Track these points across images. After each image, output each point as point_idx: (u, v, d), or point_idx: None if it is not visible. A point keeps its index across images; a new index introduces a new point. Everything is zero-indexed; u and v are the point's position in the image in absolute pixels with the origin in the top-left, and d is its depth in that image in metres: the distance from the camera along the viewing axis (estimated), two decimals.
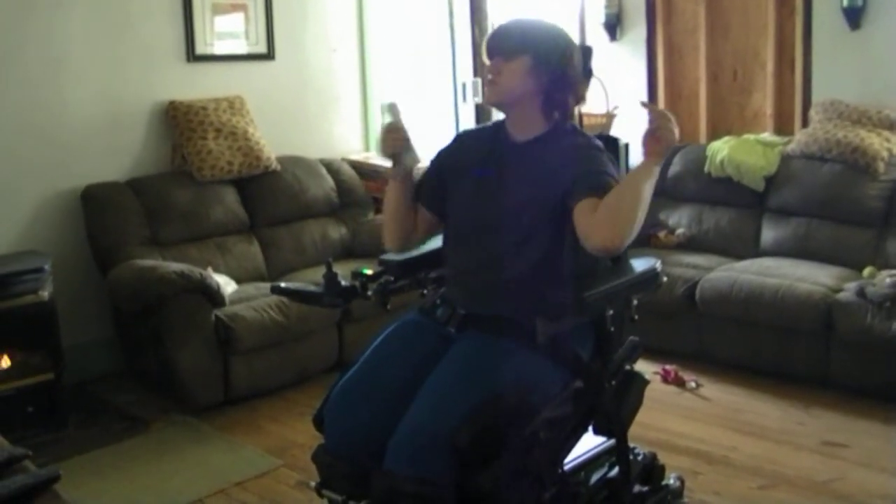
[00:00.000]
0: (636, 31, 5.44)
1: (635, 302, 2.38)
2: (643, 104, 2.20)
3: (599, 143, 2.35)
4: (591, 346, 2.35)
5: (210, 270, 4.13)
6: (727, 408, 3.86)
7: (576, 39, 5.76)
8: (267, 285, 4.24)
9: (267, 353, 4.10)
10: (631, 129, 2.17)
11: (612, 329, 2.29)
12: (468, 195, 2.39)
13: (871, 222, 4.31)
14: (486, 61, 2.39)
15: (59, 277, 4.05)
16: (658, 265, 2.38)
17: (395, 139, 2.40)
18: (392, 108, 2.46)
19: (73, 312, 4.19)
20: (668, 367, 4.19)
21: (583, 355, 2.30)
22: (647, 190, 2.14)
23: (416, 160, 2.43)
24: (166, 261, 4.23)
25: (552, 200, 2.24)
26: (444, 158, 2.52)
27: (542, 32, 2.36)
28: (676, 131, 2.13)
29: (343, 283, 2.50)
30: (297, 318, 4.13)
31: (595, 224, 2.12)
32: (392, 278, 2.55)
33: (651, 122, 2.13)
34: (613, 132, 4.61)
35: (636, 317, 2.38)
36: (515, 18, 2.48)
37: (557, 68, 2.31)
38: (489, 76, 2.36)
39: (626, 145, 2.56)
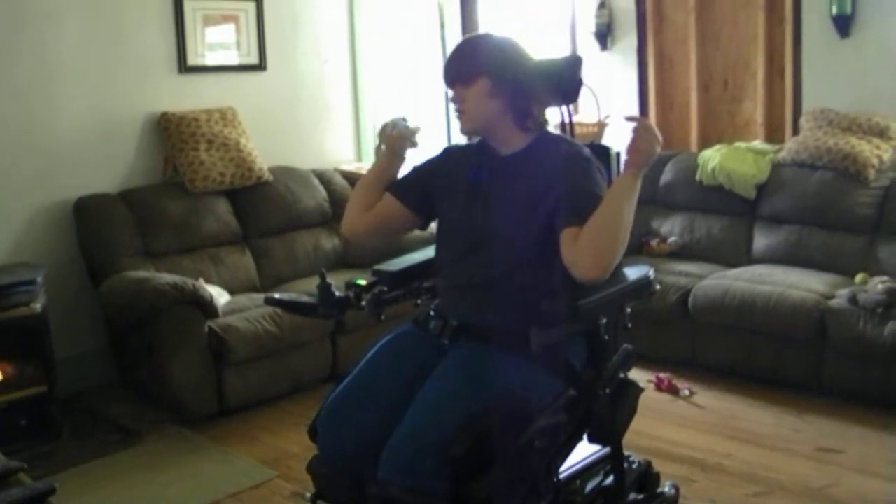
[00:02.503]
0: (627, 41, 5.46)
1: (629, 310, 2.38)
2: (627, 118, 2.20)
3: (588, 151, 2.35)
4: (584, 355, 2.36)
5: (202, 281, 4.12)
6: (721, 415, 3.87)
7: (567, 49, 5.82)
8: (260, 296, 4.24)
9: (261, 363, 4.09)
10: (622, 138, 2.18)
11: (606, 337, 2.30)
12: (460, 208, 2.39)
13: (862, 229, 4.33)
14: (449, 93, 2.41)
15: (52, 289, 4.04)
16: (651, 273, 2.39)
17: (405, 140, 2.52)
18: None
19: (65, 324, 4.19)
20: (661, 374, 4.19)
21: (575, 364, 2.31)
22: (628, 209, 2.14)
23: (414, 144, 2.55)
24: (159, 272, 4.22)
25: (543, 212, 2.24)
26: (431, 168, 2.53)
27: (492, 49, 2.37)
28: (658, 144, 2.14)
29: (337, 293, 2.50)
30: (291, 328, 4.13)
31: (579, 255, 2.13)
32: (386, 288, 2.55)
33: (633, 132, 2.13)
34: (605, 141, 4.63)
35: (629, 325, 2.39)
36: (463, 41, 2.49)
37: (515, 80, 2.33)
38: (456, 107, 2.38)
39: (618, 154, 2.56)
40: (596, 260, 2.11)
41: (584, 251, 2.13)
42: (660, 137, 2.14)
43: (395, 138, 2.54)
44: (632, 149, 2.13)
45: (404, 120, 2.57)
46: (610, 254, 2.12)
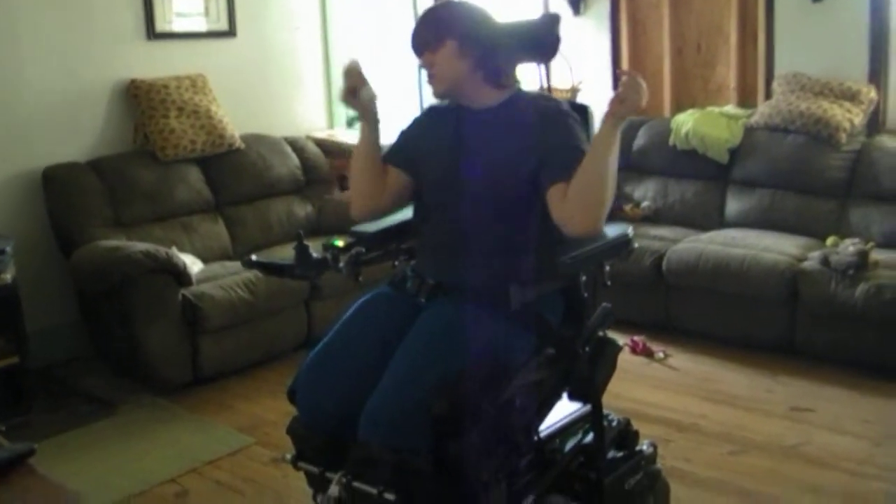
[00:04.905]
0: (600, 6, 5.43)
1: (607, 268, 2.39)
2: (621, 72, 2.20)
3: (565, 105, 2.34)
4: (562, 313, 2.36)
5: (175, 250, 4.07)
6: (696, 377, 3.90)
7: (540, 13, 5.74)
8: (233, 264, 4.22)
9: (235, 331, 4.07)
10: (596, 102, 2.18)
11: (585, 294, 2.30)
12: (438, 168, 2.38)
13: (833, 192, 4.37)
14: (418, 60, 2.38)
15: (22, 260, 3.97)
16: (630, 231, 2.40)
17: (352, 78, 2.38)
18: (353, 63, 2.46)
19: (36, 296, 4.13)
20: (636, 338, 4.22)
21: (552, 321, 2.31)
22: (612, 161, 2.15)
23: (372, 95, 2.41)
24: (130, 241, 4.16)
25: (522, 167, 2.23)
26: (415, 129, 2.52)
27: (456, 12, 2.37)
28: (644, 98, 2.12)
29: (314, 255, 2.47)
30: (266, 295, 4.11)
31: (569, 211, 2.15)
32: (363, 249, 2.52)
33: (621, 84, 2.12)
34: None
35: (609, 282, 2.39)
36: (426, 10, 2.47)
37: (482, 38, 2.32)
38: (426, 72, 2.36)
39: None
40: (587, 214, 2.14)
41: (574, 207, 2.14)
42: (646, 92, 2.12)
43: (365, 104, 2.47)
44: (616, 99, 2.11)
45: (357, 64, 2.48)
46: (600, 206, 2.14)
